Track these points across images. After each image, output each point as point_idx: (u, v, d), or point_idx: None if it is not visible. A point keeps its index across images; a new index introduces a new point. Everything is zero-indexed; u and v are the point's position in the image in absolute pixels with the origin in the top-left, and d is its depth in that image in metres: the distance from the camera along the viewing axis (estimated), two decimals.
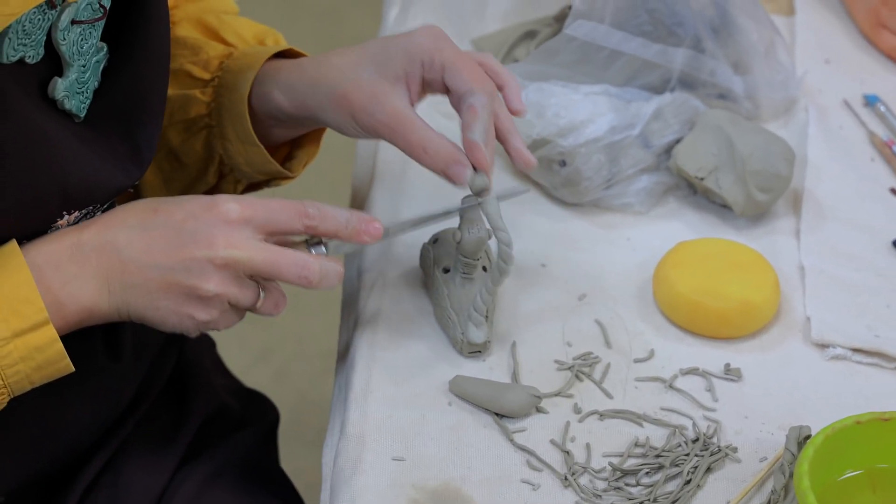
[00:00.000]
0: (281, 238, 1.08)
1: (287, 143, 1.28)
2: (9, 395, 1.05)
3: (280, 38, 1.30)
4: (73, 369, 1.06)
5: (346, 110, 1.16)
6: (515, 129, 1.17)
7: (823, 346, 1.25)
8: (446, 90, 1.16)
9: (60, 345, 1.05)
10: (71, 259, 1.06)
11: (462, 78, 1.14)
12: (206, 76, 1.25)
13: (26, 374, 1.05)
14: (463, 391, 1.19)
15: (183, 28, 1.29)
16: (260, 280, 1.08)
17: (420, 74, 1.16)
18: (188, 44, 1.26)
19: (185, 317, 1.06)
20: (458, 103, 1.16)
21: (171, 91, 1.25)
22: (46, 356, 1.05)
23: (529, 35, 1.49)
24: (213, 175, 1.28)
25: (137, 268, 1.05)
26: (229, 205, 1.05)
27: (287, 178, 1.28)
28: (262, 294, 1.08)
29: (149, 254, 1.05)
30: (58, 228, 1.10)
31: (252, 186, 1.30)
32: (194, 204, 1.06)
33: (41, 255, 1.06)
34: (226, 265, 1.05)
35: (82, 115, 1.11)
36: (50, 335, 1.04)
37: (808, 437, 1.15)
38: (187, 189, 1.30)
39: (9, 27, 1.02)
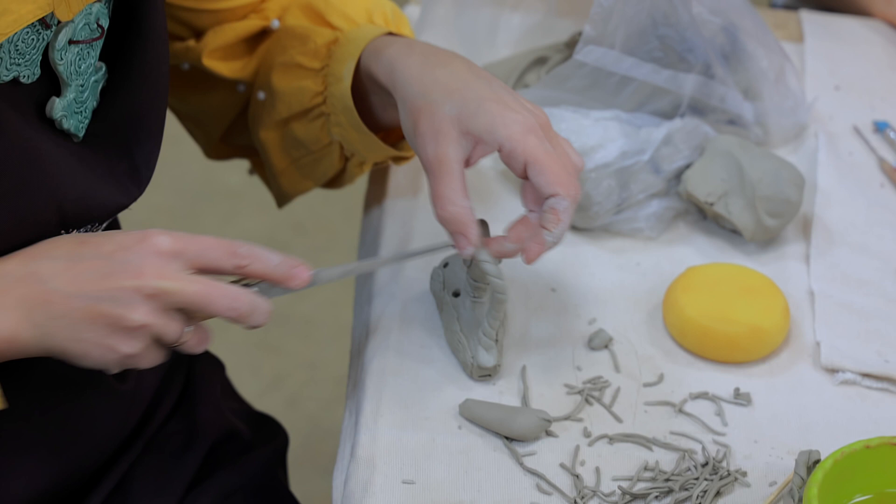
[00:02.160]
0: (209, 276, 1.06)
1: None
2: None
3: (388, 10, 1.29)
4: (5, 404, 1.03)
5: (413, 122, 1.16)
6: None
7: (833, 371, 1.26)
8: (524, 175, 1.15)
9: None
10: None
11: (546, 179, 1.12)
12: (317, 65, 1.25)
13: None
14: (473, 414, 1.19)
15: (291, 16, 1.30)
16: (187, 314, 1.05)
17: (494, 150, 1.14)
18: (297, 33, 1.27)
19: (107, 349, 1.03)
20: (537, 197, 1.15)
21: (285, 83, 1.26)
22: None
23: (540, 61, 1.50)
24: (339, 159, 1.29)
25: (62, 298, 1.02)
26: (160, 237, 1.03)
27: (405, 158, 1.28)
28: (187, 329, 1.05)
29: (75, 283, 1.02)
30: None
31: (376, 165, 1.31)
32: (124, 236, 1.04)
33: None
34: (154, 295, 1.02)
35: (81, 134, 1.12)
36: None
37: (818, 461, 1.14)
38: (319, 173, 1.31)
39: (0, 46, 1.02)
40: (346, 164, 1.31)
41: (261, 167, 1.39)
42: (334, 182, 1.35)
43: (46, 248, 1.04)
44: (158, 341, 1.04)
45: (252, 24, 1.30)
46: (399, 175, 1.41)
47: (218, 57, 1.30)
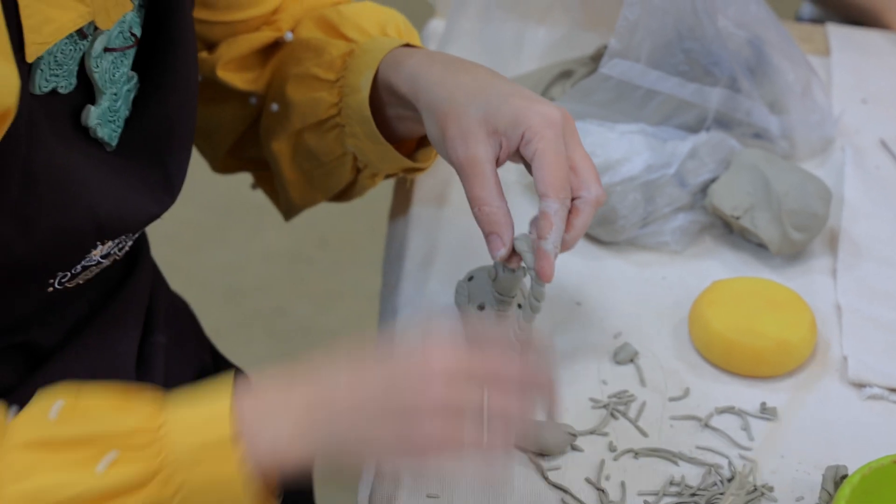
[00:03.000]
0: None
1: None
2: None
3: (401, 23, 1.29)
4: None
5: (440, 129, 1.15)
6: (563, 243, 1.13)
7: (860, 385, 1.25)
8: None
9: (245, 466, 0.94)
10: (271, 410, 0.97)
11: (541, 177, 1.11)
12: (332, 77, 1.25)
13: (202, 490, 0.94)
14: None
15: (305, 28, 1.30)
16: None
17: (517, 143, 1.13)
18: (311, 45, 1.27)
19: (400, 456, 0.98)
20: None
21: (299, 95, 1.26)
22: (225, 473, 0.94)
23: (565, 74, 1.50)
24: (351, 170, 1.29)
25: (349, 409, 0.96)
26: (443, 356, 0.97)
27: (420, 170, 1.28)
28: (485, 432, 0.98)
29: (357, 397, 0.97)
30: (91, 259, 1.11)
31: (390, 176, 1.31)
32: (406, 352, 0.98)
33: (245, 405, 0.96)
34: (436, 417, 0.96)
35: (114, 143, 1.12)
36: (237, 455, 0.93)
37: (845, 476, 1.14)
38: (330, 186, 1.31)
39: (40, 58, 1.03)
40: (358, 176, 1.31)
41: (265, 181, 1.38)
42: (344, 194, 1.34)
43: (325, 359, 0.99)
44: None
45: (265, 36, 1.30)
46: (423, 187, 1.41)
47: (232, 69, 1.30)
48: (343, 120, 1.26)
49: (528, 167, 1.14)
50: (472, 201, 1.13)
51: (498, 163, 1.15)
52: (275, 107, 1.29)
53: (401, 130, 1.26)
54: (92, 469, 0.92)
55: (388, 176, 1.32)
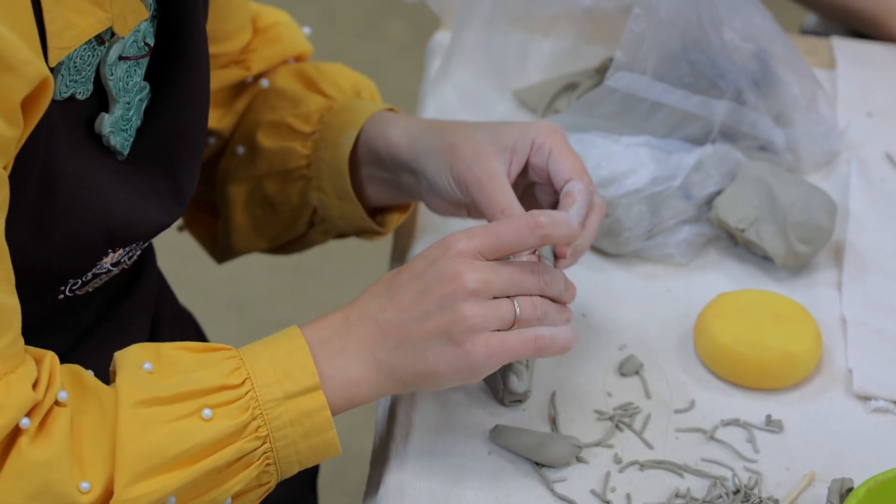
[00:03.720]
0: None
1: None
2: (275, 466, 1.06)
3: (374, 89, 1.33)
4: (340, 450, 1.07)
5: (448, 158, 1.19)
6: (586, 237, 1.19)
7: (865, 398, 1.25)
8: (547, 178, 1.19)
9: (328, 413, 1.06)
10: (333, 335, 1.08)
11: (565, 166, 1.17)
12: (307, 129, 1.27)
13: (293, 441, 1.05)
14: (503, 440, 1.18)
15: (282, 78, 1.31)
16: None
17: (527, 154, 1.19)
18: (288, 95, 1.29)
19: (455, 357, 1.07)
20: (552, 192, 1.19)
21: (271, 143, 1.28)
22: (314, 423, 1.05)
23: (571, 87, 1.50)
24: (305, 224, 1.30)
25: (395, 327, 1.07)
26: (460, 241, 1.07)
27: (379, 234, 1.30)
28: (515, 304, 1.08)
29: (402, 310, 1.07)
30: (102, 266, 1.11)
31: (339, 236, 1.32)
32: (428, 251, 1.08)
33: (308, 333, 1.08)
34: (475, 291, 1.06)
35: (125, 152, 1.13)
36: (319, 401, 1.05)
37: (851, 489, 1.14)
38: (277, 235, 1.32)
39: (61, 63, 1.03)
40: (309, 231, 1.31)
41: (195, 223, 1.38)
42: (288, 246, 1.35)
43: (371, 290, 1.10)
44: (499, 329, 1.08)
45: (234, 74, 1.30)
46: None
47: None
48: (311, 173, 1.27)
49: (543, 176, 1.18)
50: (493, 209, 1.16)
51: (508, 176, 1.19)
52: (240, 150, 1.30)
53: (369, 191, 1.28)
54: (199, 421, 1.02)
55: (338, 235, 1.32)
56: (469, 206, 1.23)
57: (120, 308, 1.21)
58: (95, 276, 1.12)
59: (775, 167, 1.37)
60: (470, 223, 1.29)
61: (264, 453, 1.05)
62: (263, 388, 1.04)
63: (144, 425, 1.01)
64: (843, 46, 1.60)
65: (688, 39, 1.38)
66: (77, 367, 1.04)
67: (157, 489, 1.01)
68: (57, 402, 1.01)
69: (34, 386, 1.00)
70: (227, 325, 2.49)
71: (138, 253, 1.15)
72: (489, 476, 1.16)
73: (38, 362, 1.02)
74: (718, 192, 1.37)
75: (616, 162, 1.34)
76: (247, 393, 1.04)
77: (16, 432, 0.98)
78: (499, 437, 1.19)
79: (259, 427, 1.04)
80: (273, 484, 1.07)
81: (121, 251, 1.11)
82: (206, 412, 1.02)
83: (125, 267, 1.15)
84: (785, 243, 1.33)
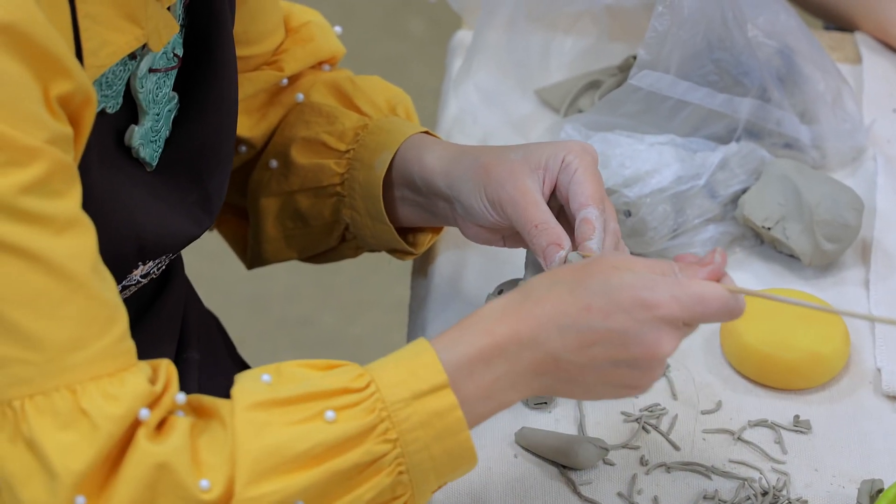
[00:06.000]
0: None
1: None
2: (409, 476, 1.00)
3: (409, 104, 1.31)
4: (476, 457, 1.02)
5: (482, 179, 1.17)
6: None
7: (894, 397, 1.24)
8: (566, 200, 1.17)
9: (460, 412, 1.00)
10: (496, 359, 1.02)
11: (584, 189, 1.15)
12: (342, 147, 1.26)
13: (425, 444, 0.99)
14: (529, 443, 1.18)
15: (318, 93, 1.30)
16: None
17: (558, 170, 1.17)
18: (323, 112, 1.28)
19: (617, 395, 1.07)
20: (571, 217, 1.17)
21: (305, 159, 1.27)
22: (446, 423, 0.99)
23: (593, 85, 1.49)
24: (336, 239, 1.29)
25: (577, 368, 1.03)
26: (670, 308, 1.02)
27: (411, 254, 1.29)
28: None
29: (589, 357, 1.02)
30: (132, 279, 1.11)
31: (370, 250, 1.31)
32: (630, 304, 1.02)
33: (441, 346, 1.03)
34: (664, 360, 1.04)
35: (154, 164, 1.12)
36: (449, 400, 0.99)
37: (881, 490, 1.13)
38: (308, 248, 1.31)
39: (94, 79, 1.03)
40: (340, 245, 1.30)
41: (227, 226, 1.37)
42: (319, 258, 1.34)
43: (550, 314, 1.03)
44: None
45: (266, 76, 1.29)
46: None
47: None
48: (345, 191, 1.26)
49: (563, 197, 1.17)
50: (527, 224, 1.14)
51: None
52: (274, 163, 1.29)
53: (401, 213, 1.26)
54: (321, 422, 0.98)
55: (371, 251, 1.31)
56: (505, 232, 1.20)
57: (148, 317, 1.21)
58: (125, 287, 1.11)
59: (801, 164, 1.36)
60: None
61: (395, 458, 0.99)
62: (388, 388, 0.99)
63: (263, 427, 0.97)
64: (869, 42, 1.59)
65: (712, 37, 1.37)
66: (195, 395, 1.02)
67: (280, 489, 0.96)
68: (175, 405, 0.98)
69: (151, 382, 0.97)
70: (249, 324, 2.49)
71: (167, 263, 1.14)
72: (515, 479, 1.16)
73: (154, 367, 1.00)
74: (744, 191, 1.36)
75: (640, 161, 1.33)
76: (372, 395, 0.99)
77: (135, 425, 0.96)
78: (524, 439, 1.18)
79: (388, 430, 0.99)
80: (409, 500, 1.01)
81: (150, 263, 1.11)
82: (329, 414, 0.98)
83: (154, 277, 1.14)
84: (811, 241, 1.32)
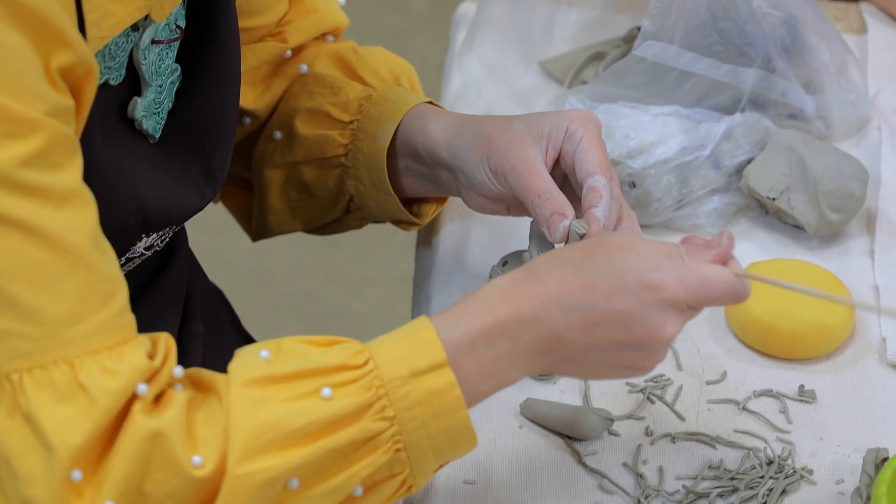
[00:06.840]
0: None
1: None
2: (406, 453, 0.99)
3: (413, 75, 1.31)
4: (475, 438, 1.01)
5: (485, 149, 1.17)
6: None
7: None
8: (572, 168, 1.17)
9: (458, 391, 0.99)
10: (498, 337, 1.02)
11: (590, 157, 1.15)
12: (346, 118, 1.26)
13: (423, 423, 0.98)
14: (534, 414, 1.18)
15: (322, 64, 1.30)
16: None
17: (562, 140, 1.16)
18: (327, 83, 1.27)
19: (619, 376, 1.06)
20: (577, 186, 1.17)
21: (309, 130, 1.26)
22: (444, 402, 0.99)
23: (598, 56, 1.49)
24: (341, 210, 1.29)
25: (579, 349, 1.02)
26: (675, 291, 1.01)
27: (416, 225, 1.29)
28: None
29: (593, 338, 1.02)
30: (136, 251, 1.11)
31: (375, 222, 1.31)
32: (635, 285, 1.01)
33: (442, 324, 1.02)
34: (668, 343, 1.04)
35: (157, 136, 1.12)
36: (447, 378, 0.99)
37: (886, 459, 1.13)
38: (313, 219, 1.31)
39: (97, 51, 1.03)
40: (345, 216, 1.30)
41: (231, 198, 1.36)
42: (324, 229, 1.33)
43: (554, 293, 1.02)
44: None
45: (270, 48, 1.29)
46: None
47: None
48: (349, 161, 1.26)
49: (568, 167, 1.16)
50: (530, 194, 1.14)
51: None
52: (278, 135, 1.28)
53: (406, 184, 1.26)
54: (317, 399, 0.97)
55: (376, 221, 1.31)
56: (509, 202, 1.20)
57: (152, 290, 1.21)
58: (129, 259, 1.11)
59: (805, 135, 1.36)
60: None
61: (392, 436, 0.98)
62: (387, 365, 0.98)
63: (258, 403, 0.96)
64: (874, 12, 1.58)
65: (716, 7, 1.37)
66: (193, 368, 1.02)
67: (273, 466, 0.95)
68: (173, 379, 0.98)
69: (150, 357, 0.97)
70: (253, 299, 2.49)
71: (170, 235, 1.14)
72: (520, 450, 1.16)
73: (154, 340, 0.99)
74: (748, 161, 1.36)
75: (644, 132, 1.33)
76: (370, 372, 0.98)
77: (132, 400, 0.95)
78: (529, 410, 1.18)
79: (385, 407, 0.98)
80: (407, 478, 1.00)
81: (154, 235, 1.11)
82: (326, 391, 0.97)
83: (157, 250, 1.14)
84: (816, 212, 1.32)
